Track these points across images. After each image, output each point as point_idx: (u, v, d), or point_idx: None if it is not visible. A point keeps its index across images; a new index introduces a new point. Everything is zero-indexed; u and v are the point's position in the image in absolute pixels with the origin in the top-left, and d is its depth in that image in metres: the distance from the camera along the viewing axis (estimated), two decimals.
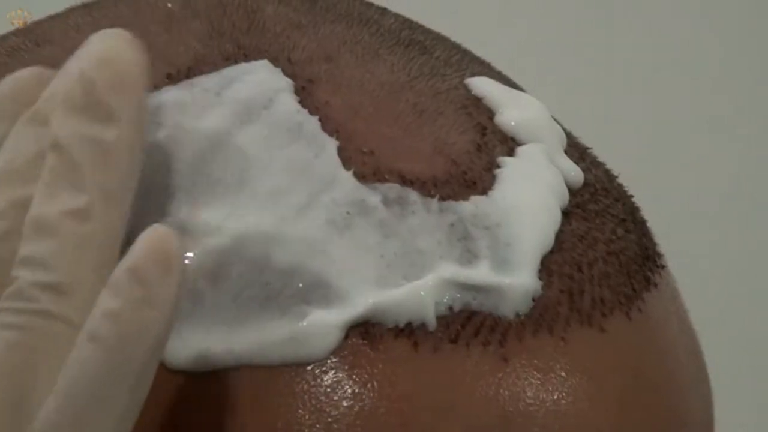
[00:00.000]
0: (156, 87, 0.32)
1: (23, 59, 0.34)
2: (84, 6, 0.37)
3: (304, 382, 0.28)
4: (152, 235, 0.26)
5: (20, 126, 0.28)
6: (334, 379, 0.28)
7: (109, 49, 0.27)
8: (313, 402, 0.28)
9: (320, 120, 0.31)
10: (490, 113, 0.34)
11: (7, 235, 0.26)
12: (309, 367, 0.28)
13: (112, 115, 0.27)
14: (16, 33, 0.36)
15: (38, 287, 0.26)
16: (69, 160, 0.26)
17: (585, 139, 0.38)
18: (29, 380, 0.25)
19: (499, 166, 0.32)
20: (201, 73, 0.33)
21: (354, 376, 0.28)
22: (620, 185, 0.37)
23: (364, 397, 0.28)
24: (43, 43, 0.35)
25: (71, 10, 0.37)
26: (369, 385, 0.28)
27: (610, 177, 0.36)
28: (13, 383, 0.25)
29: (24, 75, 0.29)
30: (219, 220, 0.30)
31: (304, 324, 0.29)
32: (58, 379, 0.25)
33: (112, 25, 0.35)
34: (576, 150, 0.36)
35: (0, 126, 0.28)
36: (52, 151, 0.27)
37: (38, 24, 0.37)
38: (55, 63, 0.34)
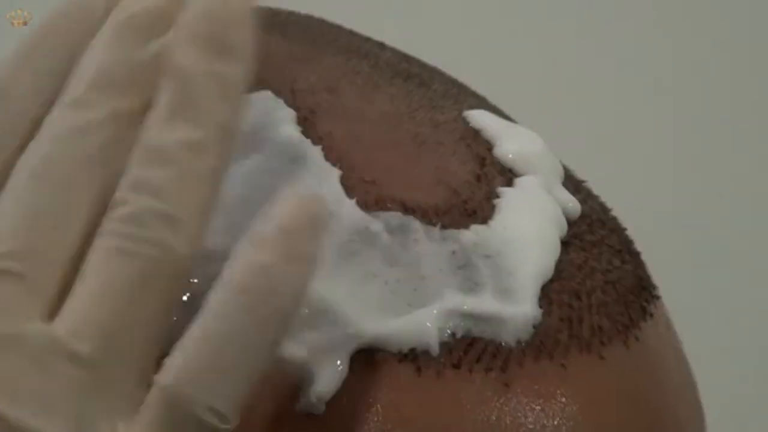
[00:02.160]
0: None
1: None
2: None
3: None
4: (301, 196, 0.26)
5: (118, 30, 0.27)
6: (339, 404, 0.28)
7: None
8: (319, 426, 0.28)
9: (323, 150, 0.32)
10: (488, 145, 0.35)
11: (108, 147, 0.26)
12: None
13: (233, 52, 0.27)
14: None
15: (154, 215, 0.25)
16: (190, 92, 0.26)
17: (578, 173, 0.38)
18: (139, 311, 0.25)
19: (498, 196, 0.33)
20: None
21: (358, 401, 0.29)
22: (614, 218, 0.37)
23: (368, 421, 0.28)
24: None
25: None
26: (373, 410, 0.29)
27: (604, 209, 0.37)
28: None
29: None
30: (224, 247, 0.30)
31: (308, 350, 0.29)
32: (190, 324, 0.25)
33: None
34: (571, 182, 0.36)
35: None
36: (173, 79, 0.26)
37: None
38: None
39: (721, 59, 1.01)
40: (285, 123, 0.32)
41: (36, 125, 0.27)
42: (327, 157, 0.32)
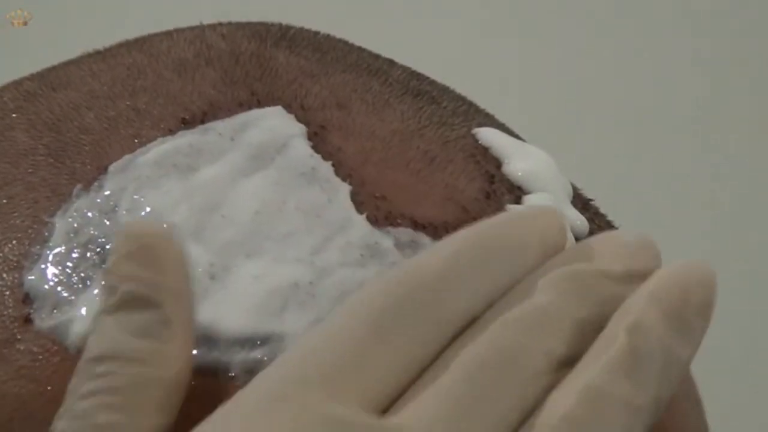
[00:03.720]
0: (171, 131, 0.33)
1: (40, 103, 0.35)
2: (97, 53, 0.38)
3: None
4: None
5: (562, 282, 0.27)
6: None
7: (705, 274, 0.28)
8: None
9: (333, 165, 0.32)
10: (497, 162, 0.35)
11: (538, 376, 0.26)
12: None
13: (692, 337, 0.27)
14: (31, 78, 0.37)
15: None
16: (640, 356, 0.26)
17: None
18: None
19: None
20: (215, 118, 0.33)
21: None
22: None
23: None
24: (58, 88, 0.36)
25: (85, 57, 0.37)
26: None
27: (611, 227, 0.37)
28: None
29: (550, 223, 0.29)
30: (231, 262, 0.30)
31: None
32: None
33: (127, 71, 0.36)
34: (579, 200, 0.36)
35: (514, 265, 0.28)
36: (628, 335, 0.26)
37: (52, 70, 0.37)
38: (72, 107, 0.35)
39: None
40: (295, 138, 0.33)
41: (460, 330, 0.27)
42: (337, 173, 0.32)
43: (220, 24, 0.39)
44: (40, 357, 0.30)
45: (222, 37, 0.37)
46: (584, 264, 0.28)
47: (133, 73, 0.36)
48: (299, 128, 0.33)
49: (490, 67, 0.98)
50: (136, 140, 0.33)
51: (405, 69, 0.39)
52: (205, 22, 0.39)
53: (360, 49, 0.39)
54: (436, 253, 0.27)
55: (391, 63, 0.39)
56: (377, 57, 0.39)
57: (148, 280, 0.27)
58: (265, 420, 0.25)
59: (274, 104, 0.34)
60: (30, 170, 0.33)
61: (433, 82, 0.39)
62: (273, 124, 0.33)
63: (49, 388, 0.29)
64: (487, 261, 0.27)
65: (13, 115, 0.35)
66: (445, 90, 0.38)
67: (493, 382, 0.26)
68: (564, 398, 0.26)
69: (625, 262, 0.28)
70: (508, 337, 0.26)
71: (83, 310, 0.30)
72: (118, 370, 0.26)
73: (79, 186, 0.32)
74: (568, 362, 0.27)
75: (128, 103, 0.34)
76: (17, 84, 0.37)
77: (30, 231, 0.32)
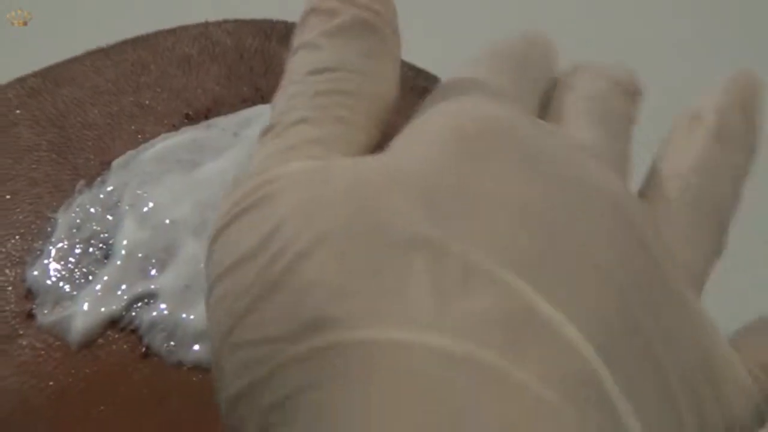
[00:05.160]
0: (175, 127, 0.33)
1: (44, 99, 0.35)
2: (101, 50, 0.38)
3: None
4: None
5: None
6: None
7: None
8: None
9: None
10: None
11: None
12: None
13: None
14: (35, 75, 0.37)
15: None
16: (732, 128, 0.30)
17: None
18: None
19: None
20: (219, 114, 0.33)
21: None
22: None
23: None
24: (63, 84, 0.36)
25: (88, 54, 0.37)
26: None
27: None
28: None
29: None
30: None
31: None
32: None
33: (131, 68, 0.36)
34: None
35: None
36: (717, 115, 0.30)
37: (56, 67, 0.37)
38: (76, 103, 0.35)
39: None
40: None
41: None
42: None
43: (225, 21, 0.39)
44: (42, 352, 0.30)
45: (227, 34, 0.37)
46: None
47: (137, 69, 0.36)
48: None
49: None
50: (139, 136, 0.33)
51: (411, 67, 0.38)
52: (210, 20, 0.39)
53: None
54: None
55: None
56: None
57: (370, 7, 0.28)
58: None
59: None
60: (33, 166, 0.33)
61: (430, 77, 0.39)
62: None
63: (51, 383, 0.29)
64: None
65: (17, 111, 0.35)
66: None
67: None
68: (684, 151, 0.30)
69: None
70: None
71: (85, 306, 0.30)
72: (348, 77, 0.27)
73: (81, 182, 0.32)
74: None
75: (132, 99, 0.34)
76: (21, 81, 0.37)
77: (33, 227, 0.32)
